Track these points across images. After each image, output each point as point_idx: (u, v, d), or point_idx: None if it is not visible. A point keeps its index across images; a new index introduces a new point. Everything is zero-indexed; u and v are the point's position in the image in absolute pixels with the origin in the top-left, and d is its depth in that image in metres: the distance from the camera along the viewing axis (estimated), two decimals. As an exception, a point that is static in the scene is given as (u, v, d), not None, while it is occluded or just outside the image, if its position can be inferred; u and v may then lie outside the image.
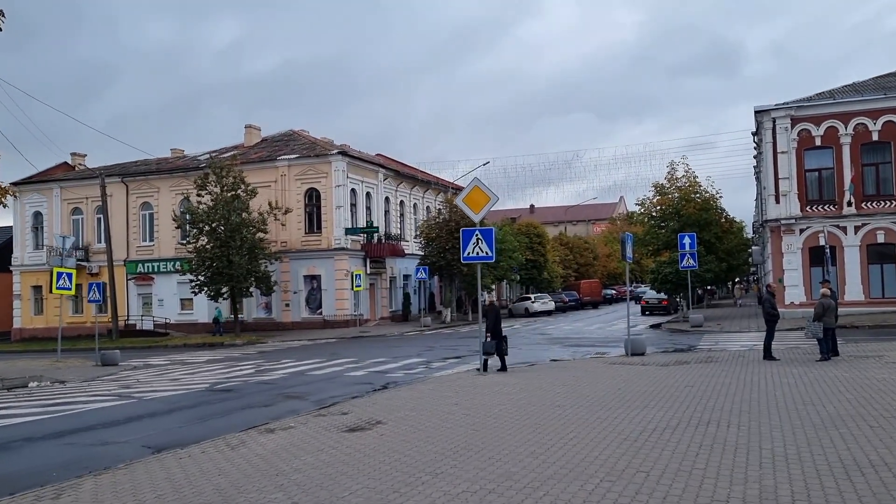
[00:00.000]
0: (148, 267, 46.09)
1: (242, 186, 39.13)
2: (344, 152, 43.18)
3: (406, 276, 48.84)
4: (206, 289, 38.52)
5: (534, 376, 15.50)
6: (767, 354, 17.17)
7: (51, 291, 27.82)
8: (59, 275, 27.21)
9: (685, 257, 31.51)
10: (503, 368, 16.78)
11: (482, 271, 46.77)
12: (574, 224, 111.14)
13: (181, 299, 44.61)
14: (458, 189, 53.71)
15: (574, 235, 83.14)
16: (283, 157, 43.51)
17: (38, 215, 49.96)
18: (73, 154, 53.42)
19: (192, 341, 37.75)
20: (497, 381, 14.57)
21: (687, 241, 31.49)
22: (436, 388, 13.83)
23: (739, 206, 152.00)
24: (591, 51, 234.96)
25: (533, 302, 51.71)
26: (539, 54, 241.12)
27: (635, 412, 10.32)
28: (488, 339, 16.85)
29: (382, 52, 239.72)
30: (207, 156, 45.00)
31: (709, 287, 66.98)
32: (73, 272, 28.27)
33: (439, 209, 48.90)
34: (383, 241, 45.08)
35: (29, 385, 18.29)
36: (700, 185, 40.73)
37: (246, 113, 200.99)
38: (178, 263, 42.94)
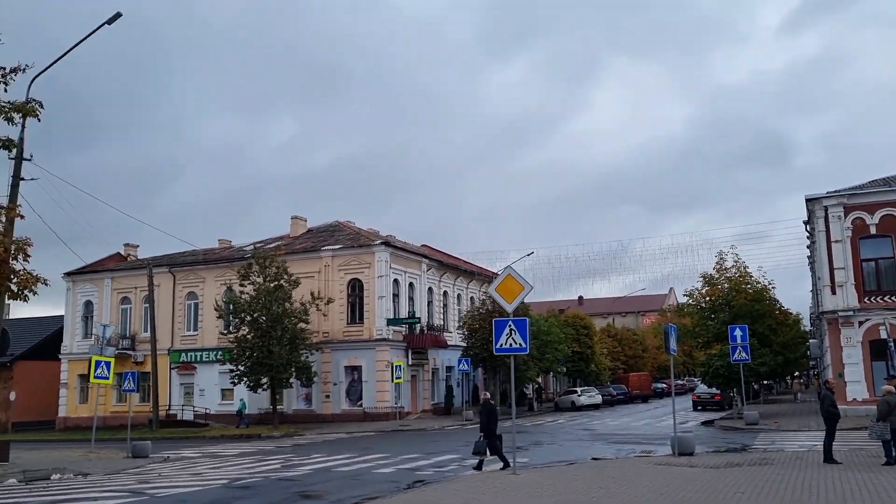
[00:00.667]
0: (191, 356, 46.16)
1: (285, 276, 39.26)
2: (387, 243, 43.28)
3: (449, 368, 47.91)
4: (245, 379, 38.15)
5: (569, 477, 14.49)
6: (828, 457, 15.85)
7: (89, 381, 27.72)
8: (98, 363, 27.10)
9: (737, 350, 30.15)
10: (505, 467, 16.32)
11: (527, 363, 46.27)
12: (623, 315, 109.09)
13: (222, 389, 44.28)
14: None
15: (623, 327, 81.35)
16: (326, 247, 43.78)
17: (88, 304, 50.86)
18: (126, 245, 54.76)
19: (230, 433, 37.17)
20: (530, 482, 13.61)
21: (738, 332, 30.21)
22: (462, 490, 12.95)
23: (795, 298, 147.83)
24: (640, 144, 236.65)
25: (579, 395, 50.09)
26: (588, 148, 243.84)
27: (676, 522, 9.34)
28: (481, 439, 16.65)
29: (434, 146, 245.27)
30: (252, 246, 45.54)
31: (765, 382, 64.38)
32: (112, 361, 28.22)
33: (482, 300, 48.34)
34: (426, 331, 44.48)
35: (51, 477, 17.86)
36: (751, 276, 39.44)
37: (298, 206, 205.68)
38: (219, 353, 42.87)
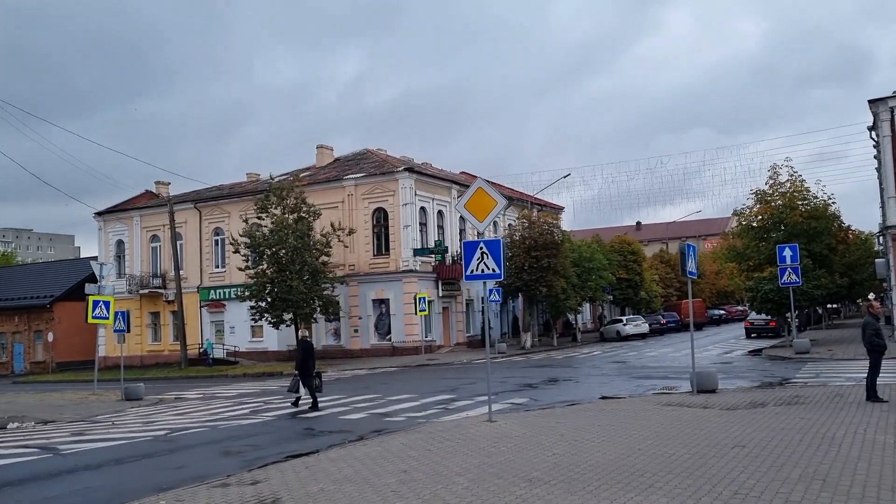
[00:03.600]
0: (220, 293, 45.19)
1: (304, 207, 37.43)
2: (411, 168, 40.85)
3: (484, 299, 45.78)
4: (266, 315, 36.85)
5: (552, 423, 12.23)
6: (871, 394, 13.21)
7: (86, 321, 26.59)
8: (96, 303, 25.82)
9: (786, 272, 27.11)
10: (314, 407, 16.56)
11: (566, 292, 43.75)
12: (683, 241, 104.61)
13: (252, 327, 43.19)
14: (541, 204, 50.41)
15: (678, 252, 77.50)
16: (349, 176, 41.66)
17: (120, 244, 50.30)
18: (157, 183, 53.67)
19: (255, 370, 36.14)
20: (497, 433, 11.42)
21: (788, 253, 27.15)
22: (409, 444, 10.85)
23: (871, 220, 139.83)
24: (712, 64, 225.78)
25: (624, 324, 47.48)
26: (657, 71, 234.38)
27: (627, 498, 7.02)
28: (295, 376, 16.92)
29: (499, 77, 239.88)
30: (276, 178, 43.76)
31: (830, 306, 60.36)
32: (112, 300, 26.95)
33: (511, 225, 45.80)
34: (457, 261, 42.25)
35: (7, 426, 16.55)
36: (808, 191, 35.65)
37: (364, 142, 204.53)
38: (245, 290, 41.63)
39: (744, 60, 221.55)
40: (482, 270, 13.13)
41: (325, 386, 24.39)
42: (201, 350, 41.48)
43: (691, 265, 16.38)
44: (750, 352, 31.33)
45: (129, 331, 26.90)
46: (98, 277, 27.12)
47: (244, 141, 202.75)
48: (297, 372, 17.26)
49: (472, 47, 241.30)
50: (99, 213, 50.38)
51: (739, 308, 76.75)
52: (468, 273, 13.24)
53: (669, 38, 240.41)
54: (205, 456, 11.30)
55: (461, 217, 44.71)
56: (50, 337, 50.13)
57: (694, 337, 44.51)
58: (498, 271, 13.06)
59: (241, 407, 18.34)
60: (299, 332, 21.15)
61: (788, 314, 34.52)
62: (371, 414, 15.54)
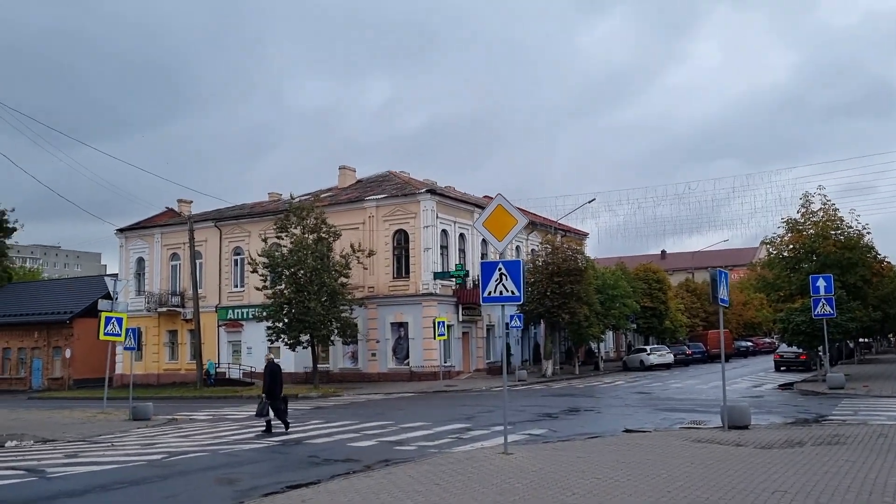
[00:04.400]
0: (238, 313, 44.72)
1: (324, 228, 36.93)
2: (433, 190, 40.28)
3: (507, 325, 44.88)
4: (283, 336, 36.24)
5: (572, 458, 11.37)
6: (920, 436, 12.20)
7: (98, 337, 26.13)
8: (108, 319, 25.36)
9: (819, 303, 25.97)
10: (287, 429, 16.74)
11: (590, 320, 42.73)
12: (708, 271, 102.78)
13: (269, 347, 42.52)
14: (565, 230, 49.58)
15: (704, 281, 76.10)
16: (370, 197, 41.18)
17: (140, 261, 50.12)
18: (179, 201, 53.60)
19: (270, 392, 35.43)
20: (514, 467, 10.60)
21: (821, 283, 26.03)
22: (417, 477, 10.06)
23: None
24: (740, 95, 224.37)
25: (648, 354, 46.28)
26: (684, 101, 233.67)
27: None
28: (262, 401, 16.91)
29: (526, 105, 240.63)
30: (297, 198, 43.40)
31: (862, 340, 58.57)
32: (125, 317, 26.52)
33: (534, 250, 44.97)
34: (477, 285, 41.40)
35: (5, 444, 15.97)
36: (842, 220, 34.48)
37: (391, 168, 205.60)
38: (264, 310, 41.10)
39: (772, 92, 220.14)
40: (500, 293, 12.39)
41: (338, 411, 23.75)
42: (205, 371, 41.05)
43: (723, 292, 15.49)
44: (780, 385, 30.16)
45: (138, 348, 26.39)
46: (111, 294, 26.66)
47: (272, 164, 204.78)
48: (264, 395, 17.33)
49: (499, 76, 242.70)
50: (120, 230, 50.30)
51: (767, 340, 75.01)
52: (485, 295, 12.49)
53: (697, 68, 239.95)
54: (198, 484, 10.59)
55: (483, 240, 44.00)
56: (68, 353, 49.93)
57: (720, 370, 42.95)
58: (517, 294, 12.31)
59: (247, 430, 17.65)
60: (266, 356, 20.77)
61: (820, 347, 33.33)
62: (381, 442, 14.76)
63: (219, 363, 44.74)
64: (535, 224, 49.51)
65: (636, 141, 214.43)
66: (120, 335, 25.60)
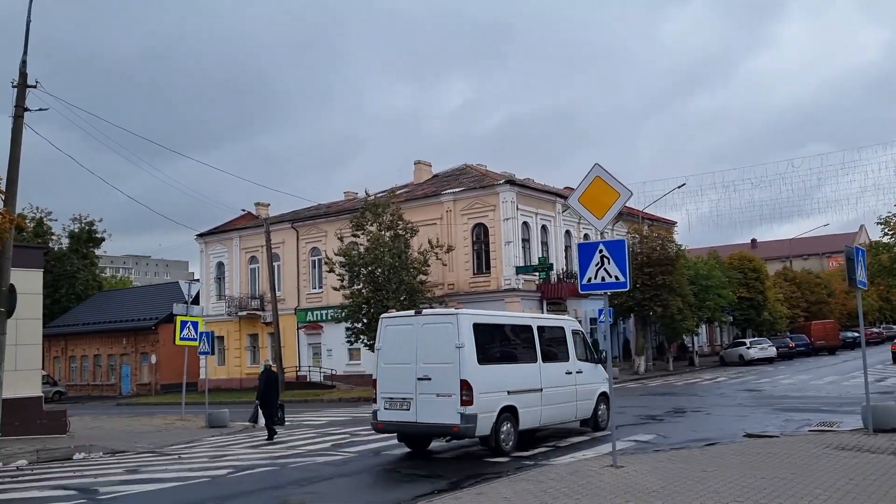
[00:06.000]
0: (317, 315, 44.02)
1: (401, 224, 35.69)
2: (512, 181, 38.48)
3: (593, 320, 42.66)
4: (363, 337, 35.17)
5: (695, 472, 9.52)
6: None
7: (174, 342, 25.51)
8: (184, 324, 24.69)
9: (954, 286, 23.06)
10: (272, 437, 16.46)
11: (683, 313, 40.16)
12: (804, 259, 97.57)
13: (349, 349, 41.62)
14: (652, 219, 47.03)
15: (803, 270, 71.81)
16: (447, 191, 39.73)
17: (220, 265, 50.15)
18: (257, 204, 53.40)
19: (350, 395, 34.54)
20: (626, 485, 8.86)
21: (955, 264, 23.10)
22: (514, 498, 8.42)
23: None
24: (828, 78, 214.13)
25: (748, 347, 43.31)
26: (770, 87, 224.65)
27: None
28: (256, 407, 16.76)
29: (607, 99, 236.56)
30: (372, 196, 42.41)
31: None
32: (200, 320, 25.84)
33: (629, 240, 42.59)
34: (563, 279, 39.49)
35: (73, 457, 15.14)
36: (968, 194, 31.10)
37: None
38: (341, 311, 40.22)
39: (863, 72, 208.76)
40: (602, 279, 10.61)
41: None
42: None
43: (861, 274, 13.28)
44: (906, 380, 27.15)
45: (213, 352, 25.56)
46: (186, 296, 26.01)
47: (353, 171, 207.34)
48: (258, 402, 17.27)
49: (579, 71, 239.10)
50: (200, 235, 50.43)
51: (874, 330, 70.16)
52: (584, 282, 10.74)
53: (784, 52, 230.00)
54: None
55: (567, 232, 42.04)
56: (153, 359, 50.38)
57: (830, 362, 39.93)
58: (623, 279, 10.51)
59: (323, 439, 16.35)
60: (265, 363, 19.85)
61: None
62: (466, 452, 13.17)
63: (299, 366, 44.19)
64: (622, 213, 46.97)
65: (722, 130, 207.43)
66: (196, 339, 24.93)
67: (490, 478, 10.17)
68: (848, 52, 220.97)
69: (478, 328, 12.90)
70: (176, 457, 14.45)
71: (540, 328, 14.67)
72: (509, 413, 12.80)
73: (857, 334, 60.63)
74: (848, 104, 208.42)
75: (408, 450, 13.71)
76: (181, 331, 24.51)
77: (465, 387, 12.14)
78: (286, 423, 19.28)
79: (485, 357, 12.80)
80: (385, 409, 12.98)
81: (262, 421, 17.45)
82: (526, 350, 14.07)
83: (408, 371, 12.63)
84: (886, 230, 33.22)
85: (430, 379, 12.44)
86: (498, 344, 13.73)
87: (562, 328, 15.53)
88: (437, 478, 10.70)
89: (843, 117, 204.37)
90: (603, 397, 15.50)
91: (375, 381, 13.33)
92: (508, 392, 12.95)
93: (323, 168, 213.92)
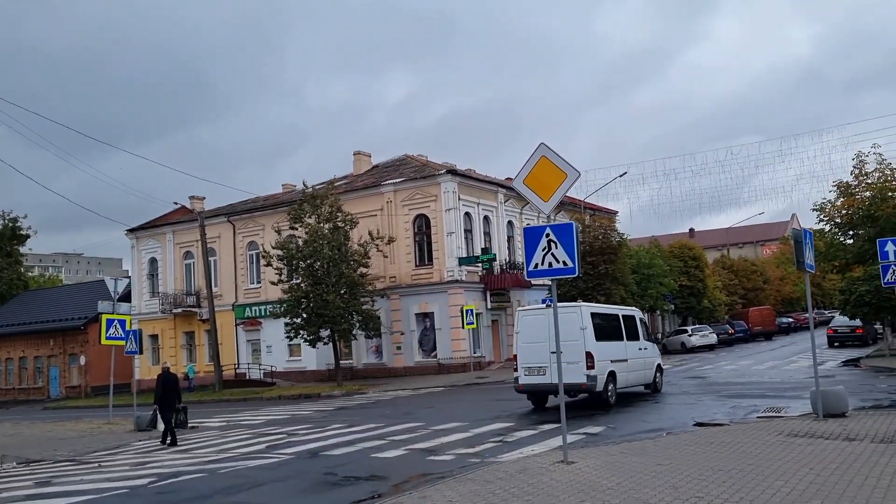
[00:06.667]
0: (256, 311, 42.71)
1: (340, 216, 34.75)
2: (453, 171, 37.87)
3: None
4: (302, 332, 34.17)
5: (650, 465, 9.03)
6: None
7: (100, 342, 24.16)
8: (110, 322, 23.37)
9: (889, 270, 23.28)
10: (165, 441, 16.05)
11: (626, 301, 40.15)
12: (739, 247, 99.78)
13: (289, 345, 40.43)
14: (594, 209, 47.01)
15: (739, 258, 73.21)
16: (387, 182, 38.88)
17: (153, 261, 48.29)
18: (192, 197, 51.61)
19: (291, 392, 33.45)
20: (579, 483, 8.30)
21: (891, 248, 23.25)
22: (460, 501, 7.77)
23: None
24: (761, 71, 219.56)
25: (690, 335, 43.67)
26: (705, 80, 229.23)
27: None
28: (154, 411, 16.41)
29: (546, 92, 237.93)
30: (311, 187, 41.29)
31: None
32: (128, 319, 24.55)
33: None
34: (506, 270, 39.09)
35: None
36: (901, 180, 31.64)
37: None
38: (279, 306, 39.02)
39: (793, 66, 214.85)
40: (550, 265, 10.03)
41: (362, 412, 21.54)
42: (184, 375, 39.64)
43: (809, 256, 13.04)
44: (845, 362, 27.53)
45: (140, 352, 24.37)
46: (112, 294, 24.62)
47: (295, 163, 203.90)
48: (156, 406, 16.88)
49: (519, 64, 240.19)
50: (131, 230, 48.46)
51: (806, 315, 71.91)
52: (531, 269, 10.15)
53: (718, 46, 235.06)
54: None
55: (509, 222, 41.65)
56: (83, 360, 48.26)
57: (768, 347, 40.36)
58: (571, 265, 9.94)
59: (259, 440, 15.43)
60: (161, 365, 19.20)
61: (887, 318, 30.71)
62: (411, 450, 12.48)
63: (238, 364, 42.82)
64: (564, 202, 46.88)
65: (658, 123, 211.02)
66: (123, 339, 23.63)
67: (435, 479, 9.49)
68: (779, 47, 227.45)
69: (593, 315, 18.16)
70: (96, 465, 13.37)
71: (623, 316, 20.18)
72: (612, 376, 17.99)
73: (791, 320, 62.15)
74: (779, 98, 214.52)
75: (348, 449, 13.02)
76: (107, 330, 23.20)
77: (589, 356, 17.23)
78: (190, 426, 18.75)
79: (598, 336, 17.82)
80: (525, 375, 17.92)
81: (161, 426, 16.74)
82: (616, 332, 19.33)
83: (542, 347, 16.58)
84: (821, 216, 33.50)
85: (562, 352, 14.30)
86: (603, 327, 18.49)
87: (634, 317, 20.97)
88: (378, 479, 9.98)
89: (774, 111, 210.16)
90: (658, 367, 21.01)
91: (515, 355, 18.25)
92: (611, 361, 18.15)
93: (265, 161, 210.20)
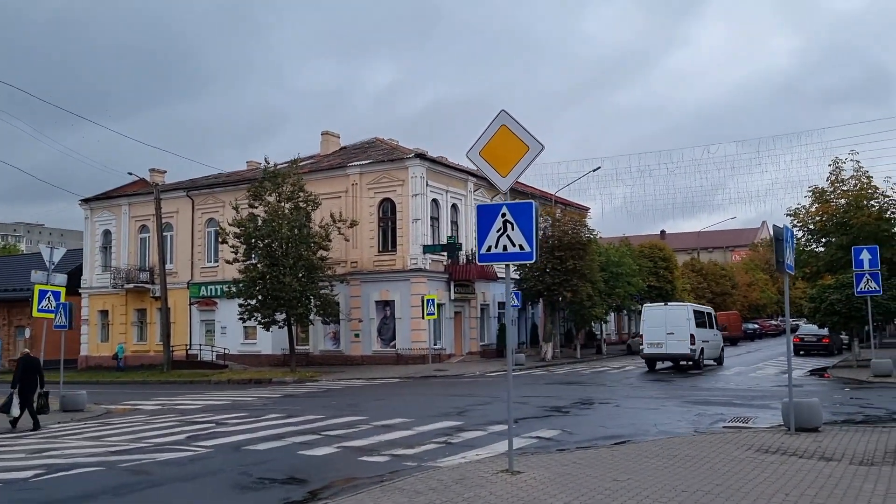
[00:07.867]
0: (211, 290, 41.07)
1: (302, 195, 33.34)
2: (422, 156, 36.56)
3: (502, 304, 41.41)
4: (256, 314, 32.74)
5: (606, 482, 7.91)
6: None
7: (31, 315, 22.57)
8: (43, 293, 21.77)
9: (863, 279, 22.54)
10: (16, 427, 15.67)
11: (593, 299, 39.23)
12: (709, 251, 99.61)
13: (244, 328, 38.85)
14: (565, 203, 45.99)
15: (710, 261, 72.86)
16: (353, 163, 37.47)
17: (107, 234, 46.39)
18: (152, 170, 49.51)
19: (242, 376, 32.00)
20: (524, 501, 7.13)
21: (866, 256, 22.53)
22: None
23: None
24: (741, 79, 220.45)
25: (656, 337, 42.91)
26: (685, 85, 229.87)
27: None
28: (10, 395, 15.88)
29: (529, 88, 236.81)
30: (275, 165, 39.74)
31: (877, 322, 55.31)
32: (62, 290, 22.92)
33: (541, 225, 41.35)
34: (472, 261, 37.88)
35: None
36: (877, 189, 31.05)
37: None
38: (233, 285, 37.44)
39: (772, 77, 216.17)
40: (504, 248, 8.84)
41: (307, 401, 20.25)
42: (114, 355, 38.29)
43: (789, 257, 12.00)
44: (810, 372, 26.82)
45: (70, 327, 22.73)
46: (47, 263, 22.97)
47: (274, 145, 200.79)
48: (13, 389, 16.11)
49: (503, 58, 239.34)
50: (85, 200, 46.49)
51: (773, 322, 71.79)
52: (483, 251, 8.96)
53: (700, 52, 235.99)
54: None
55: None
56: (27, 333, 46.26)
57: (734, 353, 39.71)
58: (528, 249, 8.77)
59: (182, 429, 14.09)
60: (21, 351, 18.20)
61: (854, 329, 30.05)
62: (344, 448, 11.26)
63: (190, 344, 41.22)
64: (534, 196, 45.81)
65: (636, 125, 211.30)
66: (56, 312, 22.05)
67: (359, 485, 8.28)
68: (759, 57, 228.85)
69: (693, 311, 29.25)
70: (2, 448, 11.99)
71: (707, 313, 31.58)
72: (703, 351, 28.67)
73: (757, 326, 61.87)
74: (756, 108, 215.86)
75: (276, 443, 11.76)
76: (40, 301, 21.58)
77: (693, 337, 27.89)
78: (50, 411, 17.50)
79: (696, 324, 28.54)
80: (648, 349, 28.90)
81: (15, 411, 15.69)
82: (703, 322, 29.98)
83: (661, 329, 28.33)
84: (795, 222, 32.79)
85: (673, 333, 27.66)
86: (697, 318, 29.15)
87: (711, 314, 32.65)
88: (295, 483, 8.75)
89: (750, 121, 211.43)
90: (722, 348, 32.00)
91: (642, 335, 30.13)
92: (702, 341, 28.75)
93: (241, 142, 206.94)
